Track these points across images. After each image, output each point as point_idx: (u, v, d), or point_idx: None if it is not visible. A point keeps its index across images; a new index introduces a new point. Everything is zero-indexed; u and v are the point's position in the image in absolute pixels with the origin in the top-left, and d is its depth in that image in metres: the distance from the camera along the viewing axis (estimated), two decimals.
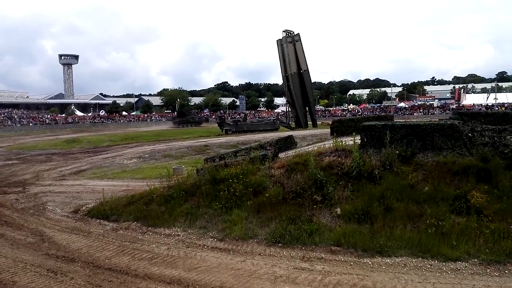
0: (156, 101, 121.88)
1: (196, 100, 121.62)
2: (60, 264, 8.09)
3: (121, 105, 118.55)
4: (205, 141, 34.77)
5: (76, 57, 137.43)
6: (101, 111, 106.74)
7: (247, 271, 7.22)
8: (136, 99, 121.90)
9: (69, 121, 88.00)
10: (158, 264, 7.80)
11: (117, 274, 7.44)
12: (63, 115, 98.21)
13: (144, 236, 9.64)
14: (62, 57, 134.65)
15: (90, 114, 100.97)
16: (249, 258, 7.78)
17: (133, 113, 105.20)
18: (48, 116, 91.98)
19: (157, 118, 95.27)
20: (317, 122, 56.58)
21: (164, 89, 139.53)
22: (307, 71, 53.78)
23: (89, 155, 29.64)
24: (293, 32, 53.15)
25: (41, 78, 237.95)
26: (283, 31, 52.98)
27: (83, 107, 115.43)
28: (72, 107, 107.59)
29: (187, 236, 9.24)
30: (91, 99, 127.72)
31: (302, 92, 54.05)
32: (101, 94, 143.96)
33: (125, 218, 10.78)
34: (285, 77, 53.06)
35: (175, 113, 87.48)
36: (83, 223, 11.10)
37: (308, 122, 53.71)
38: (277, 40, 53.33)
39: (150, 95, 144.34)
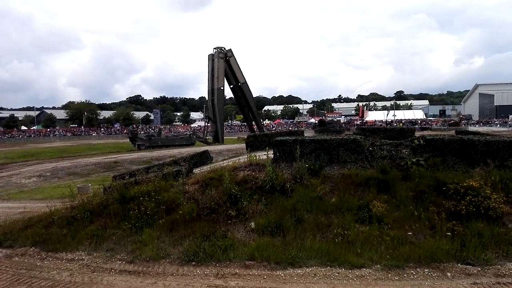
0: (61, 114, 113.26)
1: (106, 114, 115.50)
2: None
3: (20, 118, 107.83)
4: (115, 157, 32.89)
5: None
6: None
7: None
8: (37, 112, 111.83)
9: None
10: None
11: None
12: None
13: (43, 262, 8.72)
14: None
15: None
16: (161, 280, 7.44)
17: (34, 128, 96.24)
18: None
19: (61, 133, 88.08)
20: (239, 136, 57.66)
21: (70, 101, 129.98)
22: (245, 83, 54.77)
23: None
24: (225, 49, 53.57)
25: None
26: (214, 48, 53.13)
27: None
28: None
29: (93, 260, 8.55)
30: None
31: (245, 102, 55.70)
32: None
33: (21, 243, 9.72)
34: (211, 91, 53.05)
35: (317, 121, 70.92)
36: None
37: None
38: (208, 55, 53.40)
39: (54, 108, 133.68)
